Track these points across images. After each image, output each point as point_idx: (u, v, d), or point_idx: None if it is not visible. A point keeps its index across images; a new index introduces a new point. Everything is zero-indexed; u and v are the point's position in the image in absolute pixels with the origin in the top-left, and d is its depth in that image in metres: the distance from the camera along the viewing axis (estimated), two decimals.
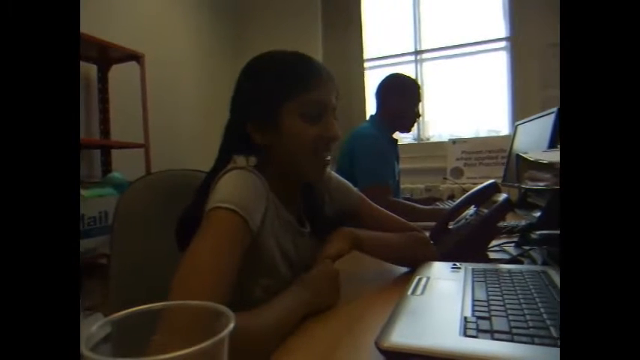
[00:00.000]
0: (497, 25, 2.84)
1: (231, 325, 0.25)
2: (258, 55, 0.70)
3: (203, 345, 0.23)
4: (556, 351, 0.38)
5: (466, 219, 0.92)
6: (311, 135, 0.65)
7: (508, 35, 2.78)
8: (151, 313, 0.29)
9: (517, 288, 0.57)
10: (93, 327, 0.25)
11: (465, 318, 0.46)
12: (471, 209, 0.96)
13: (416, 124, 1.79)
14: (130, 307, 0.28)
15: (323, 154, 0.67)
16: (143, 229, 0.77)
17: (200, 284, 0.47)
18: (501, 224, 1.08)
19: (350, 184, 0.84)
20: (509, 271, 0.65)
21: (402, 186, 1.94)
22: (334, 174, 0.83)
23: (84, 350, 0.22)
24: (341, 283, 0.67)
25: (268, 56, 0.69)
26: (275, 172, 0.69)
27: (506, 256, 0.87)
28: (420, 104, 1.73)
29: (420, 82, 3.02)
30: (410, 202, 1.62)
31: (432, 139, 3.07)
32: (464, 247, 0.84)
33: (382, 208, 0.85)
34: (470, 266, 0.70)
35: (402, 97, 1.68)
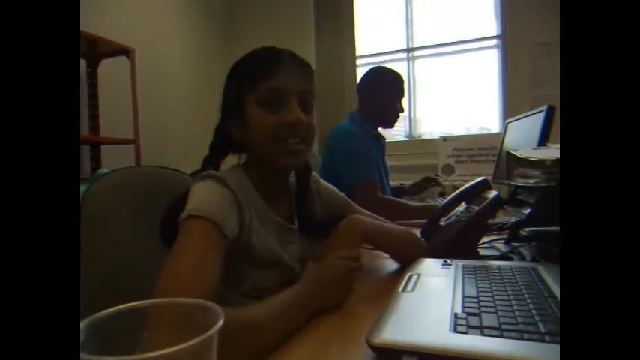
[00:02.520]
0: (489, 24, 2.86)
1: (220, 322, 0.25)
2: None
3: (192, 342, 0.23)
4: (544, 346, 0.39)
5: (457, 216, 0.92)
6: (269, 122, 0.65)
7: (499, 33, 2.80)
8: (137, 312, 0.28)
9: (506, 284, 0.57)
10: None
11: (456, 314, 0.47)
12: (462, 206, 0.96)
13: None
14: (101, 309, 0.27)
15: (287, 141, 0.65)
16: (109, 229, 0.75)
17: (182, 292, 0.47)
18: (491, 221, 1.09)
19: (336, 189, 0.86)
20: (498, 268, 0.66)
21: (393, 183, 1.93)
22: (321, 180, 0.85)
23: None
24: (354, 280, 0.64)
25: (244, 55, 0.71)
26: (257, 167, 0.71)
27: (496, 253, 0.88)
28: (404, 99, 1.70)
29: (411, 80, 3.05)
30: (401, 200, 1.62)
31: (424, 137, 3.08)
32: (454, 243, 0.84)
33: (368, 212, 0.86)
34: (460, 263, 0.70)
35: (384, 92, 1.65)
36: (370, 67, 1.79)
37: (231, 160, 0.75)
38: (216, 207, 0.57)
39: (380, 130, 1.75)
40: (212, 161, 0.70)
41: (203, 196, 0.59)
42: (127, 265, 0.73)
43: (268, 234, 0.68)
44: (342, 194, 0.85)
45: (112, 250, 0.74)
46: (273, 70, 0.65)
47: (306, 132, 0.67)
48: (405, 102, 1.72)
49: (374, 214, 0.87)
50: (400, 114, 1.71)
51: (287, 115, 0.64)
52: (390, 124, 1.73)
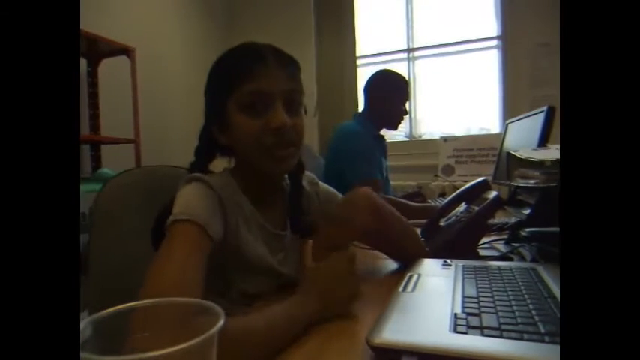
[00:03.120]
0: (489, 24, 2.86)
1: (221, 323, 0.25)
2: None
3: (192, 342, 0.23)
4: (544, 346, 0.39)
5: (457, 216, 0.92)
6: (253, 127, 0.61)
7: (499, 34, 2.80)
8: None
9: (506, 285, 0.57)
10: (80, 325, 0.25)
11: (456, 314, 0.47)
12: (462, 206, 0.96)
13: (408, 122, 1.79)
14: (109, 306, 0.27)
15: (273, 147, 0.62)
16: (122, 228, 0.75)
17: (168, 294, 0.46)
18: (491, 222, 1.09)
19: (335, 191, 0.85)
20: (498, 268, 0.66)
21: (393, 183, 1.94)
22: (320, 182, 0.83)
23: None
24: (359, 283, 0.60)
25: (223, 53, 0.68)
26: (244, 171, 0.68)
27: (496, 253, 0.88)
28: (408, 102, 1.73)
29: (411, 80, 3.05)
30: (402, 200, 1.62)
31: (424, 137, 3.08)
32: (454, 243, 0.84)
33: None
34: (460, 263, 0.70)
35: (389, 95, 1.67)
36: (371, 67, 1.80)
37: (221, 164, 0.73)
38: (199, 209, 0.56)
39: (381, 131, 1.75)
40: (198, 166, 0.68)
41: (187, 200, 0.58)
42: (136, 265, 0.73)
43: (256, 239, 0.66)
44: (340, 196, 0.85)
45: (123, 249, 0.74)
46: (254, 71, 0.61)
47: (294, 134, 0.63)
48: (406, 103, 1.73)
49: None
50: (404, 116, 1.72)
51: (271, 119, 0.61)
52: (394, 127, 1.74)
